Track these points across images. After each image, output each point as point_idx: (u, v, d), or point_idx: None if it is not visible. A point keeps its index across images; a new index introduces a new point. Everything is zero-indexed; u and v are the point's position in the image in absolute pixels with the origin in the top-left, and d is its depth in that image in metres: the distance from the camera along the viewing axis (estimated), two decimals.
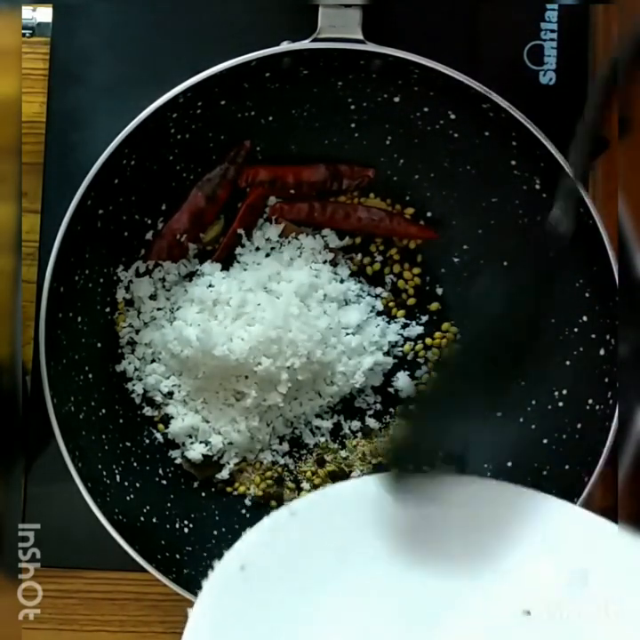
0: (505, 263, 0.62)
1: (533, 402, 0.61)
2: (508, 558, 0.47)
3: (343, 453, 0.62)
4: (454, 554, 0.47)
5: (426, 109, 0.59)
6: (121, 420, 0.61)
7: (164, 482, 0.61)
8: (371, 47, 0.56)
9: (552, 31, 0.63)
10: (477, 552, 0.47)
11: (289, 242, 0.63)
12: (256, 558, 0.46)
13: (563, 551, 0.47)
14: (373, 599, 0.46)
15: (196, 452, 0.61)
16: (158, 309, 0.62)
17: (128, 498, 0.59)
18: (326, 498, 0.50)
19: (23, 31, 0.62)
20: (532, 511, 0.48)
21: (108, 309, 0.61)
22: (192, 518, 0.60)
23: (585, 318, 0.59)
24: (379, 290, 0.64)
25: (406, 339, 0.63)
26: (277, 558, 0.46)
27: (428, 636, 0.45)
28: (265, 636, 0.44)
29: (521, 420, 0.61)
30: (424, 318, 0.64)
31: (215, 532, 0.60)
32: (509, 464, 0.60)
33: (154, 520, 0.59)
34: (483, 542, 0.47)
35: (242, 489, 0.62)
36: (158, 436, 0.62)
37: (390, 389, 0.63)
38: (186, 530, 0.60)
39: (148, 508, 0.59)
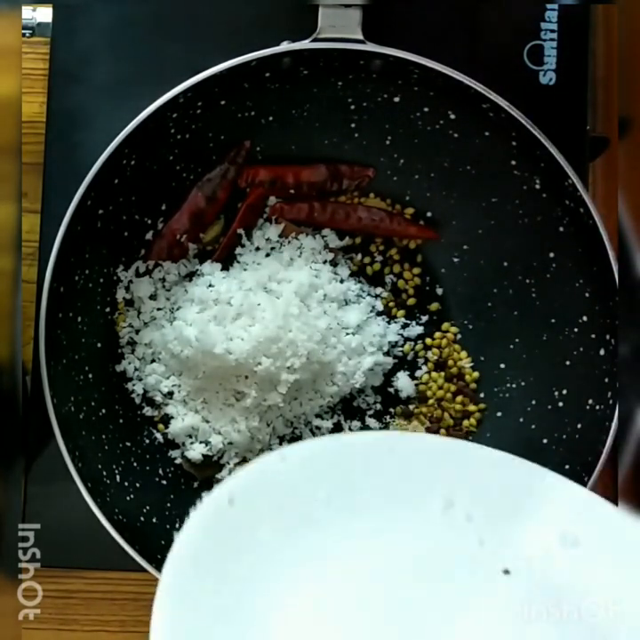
0: (505, 263, 0.62)
1: (533, 402, 0.61)
2: (494, 522, 0.47)
3: None
4: (439, 514, 0.47)
5: (426, 109, 0.59)
6: (121, 420, 0.61)
7: (164, 482, 0.61)
8: (371, 47, 0.56)
9: (552, 31, 0.63)
10: (462, 513, 0.47)
11: (289, 242, 0.63)
12: (245, 495, 0.46)
13: (553, 519, 0.47)
14: (356, 550, 0.46)
15: (195, 451, 0.61)
16: (158, 309, 0.62)
17: (128, 498, 0.59)
18: (318, 447, 0.50)
19: (23, 31, 0.62)
20: (526, 481, 0.48)
21: (108, 309, 0.61)
22: None
23: (585, 318, 0.59)
24: (379, 290, 0.64)
25: (406, 339, 0.64)
26: (266, 498, 0.47)
27: (408, 588, 0.45)
28: (246, 571, 0.44)
29: (521, 420, 0.61)
30: (424, 318, 0.64)
31: None
32: None
33: (154, 520, 0.59)
34: (469, 505, 0.48)
35: None
36: (158, 436, 0.62)
37: (390, 389, 0.63)
38: None
39: (147, 508, 0.59)
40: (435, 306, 0.64)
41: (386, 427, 0.63)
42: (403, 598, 0.45)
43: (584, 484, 0.56)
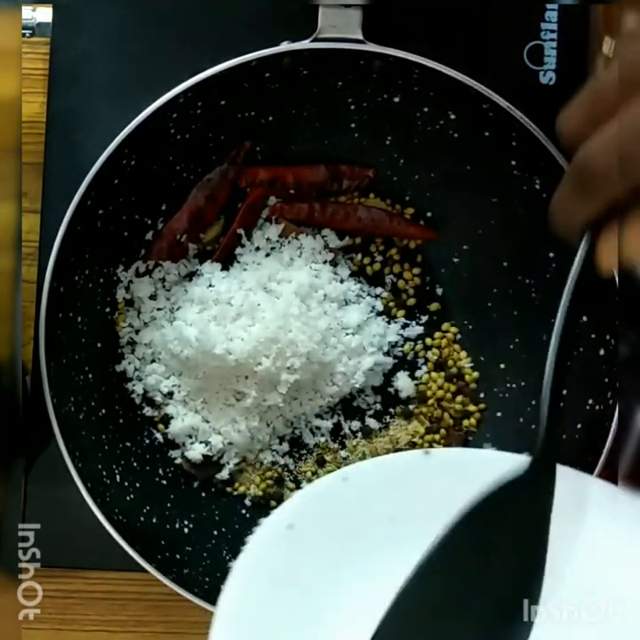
0: (505, 263, 0.62)
1: (533, 402, 0.61)
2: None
3: (343, 453, 0.62)
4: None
5: (426, 109, 0.59)
6: (121, 420, 0.61)
7: (164, 482, 0.61)
8: (371, 47, 0.56)
9: (552, 31, 0.63)
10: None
11: (289, 242, 0.63)
12: (305, 519, 0.45)
13: None
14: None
15: (195, 452, 0.61)
16: (158, 309, 0.62)
17: (128, 498, 0.59)
18: (380, 467, 0.49)
19: (23, 31, 0.62)
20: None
21: (108, 309, 0.61)
22: (192, 518, 0.60)
23: (585, 318, 0.59)
24: (379, 290, 0.64)
25: (406, 339, 0.64)
26: (327, 522, 0.45)
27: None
28: (305, 598, 0.43)
29: (521, 420, 0.61)
30: (424, 318, 0.64)
31: (215, 532, 0.60)
32: None
33: (154, 520, 0.59)
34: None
35: (242, 489, 0.62)
36: (158, 436, 0.62)
37: (390, 389, 0.63)
38: (186, 530, 0.60)
39: (148, 507, 0.59)
40: (435, 306, 0.64)
41: (386, 427, 0.63)
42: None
43: None
